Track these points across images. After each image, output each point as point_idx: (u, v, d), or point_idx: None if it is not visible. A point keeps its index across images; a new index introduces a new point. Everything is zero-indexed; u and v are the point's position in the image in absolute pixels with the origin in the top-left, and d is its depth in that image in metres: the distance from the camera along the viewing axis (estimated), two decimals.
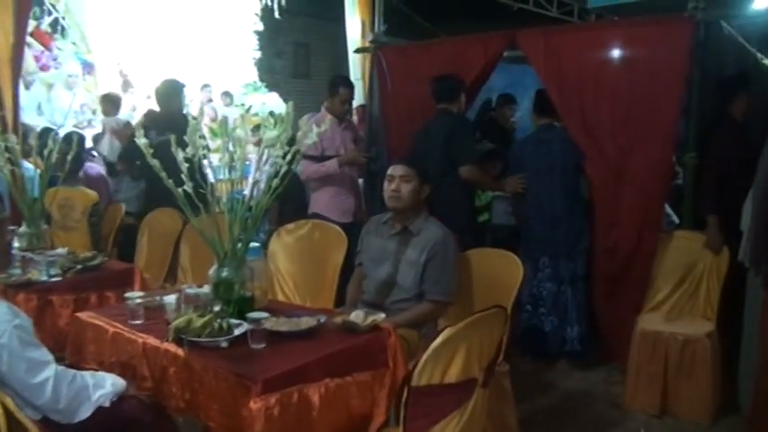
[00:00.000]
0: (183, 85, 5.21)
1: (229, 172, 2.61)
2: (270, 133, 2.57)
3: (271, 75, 11.11)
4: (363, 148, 5.08)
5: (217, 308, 2.55)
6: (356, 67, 5.61)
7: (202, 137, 2.57)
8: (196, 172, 2.57)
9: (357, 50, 5.66)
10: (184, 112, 5.06)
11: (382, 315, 2.66)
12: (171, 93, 5.07)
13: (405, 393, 2.08)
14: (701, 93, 4.03)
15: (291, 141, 2.61)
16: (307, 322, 2.57)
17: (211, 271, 2.69)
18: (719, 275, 3.76)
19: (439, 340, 2.06)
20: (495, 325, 2.29)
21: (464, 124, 4.57)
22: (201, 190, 2.59)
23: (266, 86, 10.48)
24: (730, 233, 3.64)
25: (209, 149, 2.61)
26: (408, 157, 4.09)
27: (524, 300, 4.38)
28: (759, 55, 6.14)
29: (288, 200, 4.78)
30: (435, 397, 2.13)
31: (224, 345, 2.41)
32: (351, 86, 4.89)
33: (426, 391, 2.09)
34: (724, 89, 4.09)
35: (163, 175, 2.57)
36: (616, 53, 4.21)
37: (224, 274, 2.65)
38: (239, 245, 2.66)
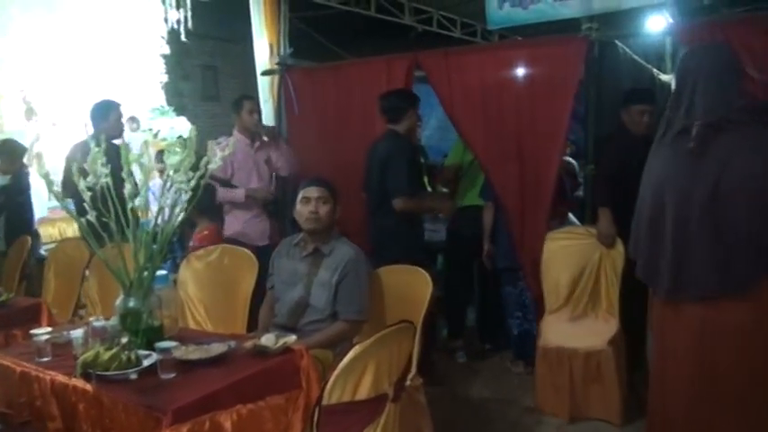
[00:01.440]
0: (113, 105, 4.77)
1: (132, 199, 2.56)
2: (173, 158, 2.54)
3: (179, 98, 10.94)
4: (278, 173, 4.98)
5: (125, 339, 2.49)
6: (265, 90, 5.61)
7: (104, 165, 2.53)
8: (98, 200, 2.52)
9: (264, 72, 5.66)
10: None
11: (293, 337, 2.66)
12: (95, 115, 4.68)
13: (316, 413, 2.10)
14: (598, 107, 4.24)
15: (195, 166, 2.59)
16: (217, 348, 2.55)
17: (118, 302, 2.63)
18: (616, 270, 3.82)
19: (348, 357, 2.10)
20: (404, 340, 2.34)
21: (400, 150, 4.22)
22: (105, 219, 2.55)
23: (174, 110, 10.30)
24: (625, 227, 3.75)
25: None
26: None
27: (512, 308, 4.50)
28: (655, 71, 6.51)
29: None
30: (347, 414, 2.16)
31: (133, 377, 2.36)
32: (252, 98, 4.91)
33: (337, 409, 2.12)
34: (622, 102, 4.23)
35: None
36: (516, 72, 4.39)
37: (131, 304, 2.60)
38: (145, 273, 2.61)
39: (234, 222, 4.70)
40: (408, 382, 2.92)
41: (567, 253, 4.01)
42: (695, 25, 4.02)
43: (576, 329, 3.83)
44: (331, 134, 5.00)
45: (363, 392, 2.18)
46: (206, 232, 4.31)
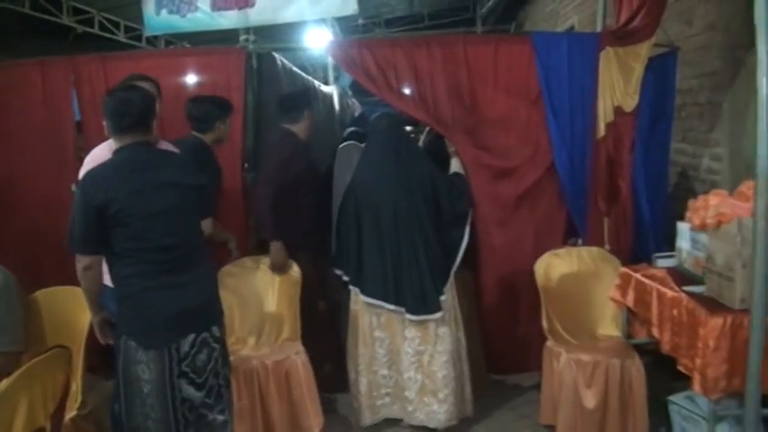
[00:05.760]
0: None
1: None
2: None
3: None
4: None
5: None
6: None
7: None
8: None
9: None
10: None
11: None
12: None
13: None
14: (257, 116, 4.37)
15: None
16: None
17: None
18: (293, 296, 3.74)
19: None
20: (58, 367, 2.20)
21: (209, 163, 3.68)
22: None
23: None
24: (296, 243, 3.86)
25: None
26: None
27: None
28: (316, 82, 6.91)
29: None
30: None
31: None
32: None
33: None
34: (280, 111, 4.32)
35: None
36: (178, 80, 4.30)
37: None
38: None
39: None
40: (74, 413, 2.77)
41: (240, 287, 3.82)
42: (346, 43, 4.32)
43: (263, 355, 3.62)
44: None
45: (19, 430, 2.01)
46: None
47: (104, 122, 2.70)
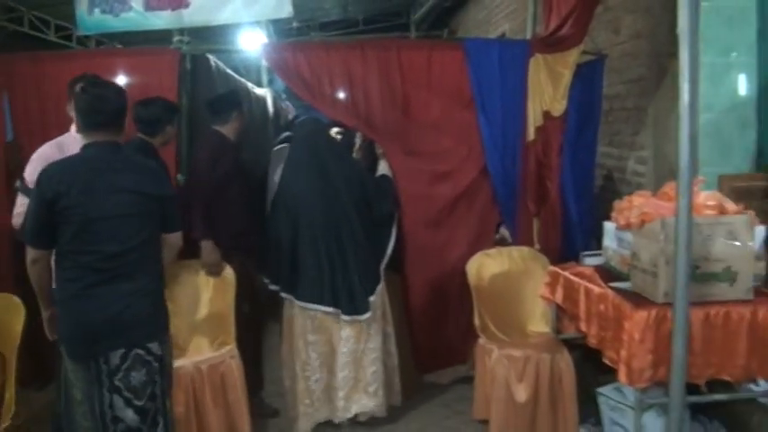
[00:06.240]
0: None
1: None
2: None
3: None
4: None
5: None
6: None
7: None
8: None
9: None
10: None
11: None
12: None
13: None
14: (191, 118, 4.34)
15: None
16: None
17: None
18: (228, 298, 3.71)
19: None
20: None
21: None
22: None
23: None
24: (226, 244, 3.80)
25: None
26: None
27: None
28: (249, 85, 6.88)
29: None
30: None
31: None
32: None
33: None
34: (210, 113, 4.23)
35: None
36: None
37: None
38: None
39: None
40: (8, 423, 2.70)
41: (174, 291, 3.66)
42: (280, 46, 4.32)
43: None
44: None
45: None
46: None
47: (74, 116, 2.64)
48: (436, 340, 4.16)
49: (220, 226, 3.76)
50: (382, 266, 3.69)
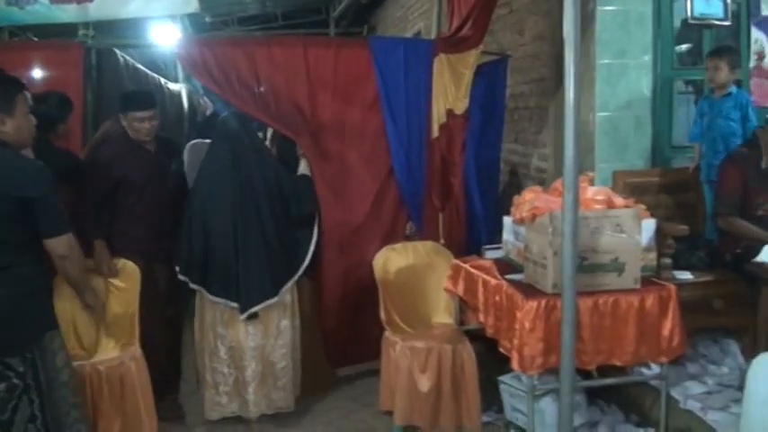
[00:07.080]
0: None
1: None
2: None
3: None
4: None
5: None
6: None
7: None
8: None
9: None
10: None
11: None
12: None
13: None
14: (97, 113, 4.26)
15: None
16: None
17: None
18: (130, 298, 3.62)
19: None
20: None
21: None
22: None
23: None
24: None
25: None
26: None
27: None
28: (163, 80, 6.78)
29: None
30: None
31: None
32: None
33: None
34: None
35: None
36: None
37: None
38: None
39: None
40: None
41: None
42: (188, 42, 4.22)
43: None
44: None
45: None
46: None
47: None
48: (350, 336, 4.20)
49: (122, 225, 3.70)
50: (304, 265, 3.72)
